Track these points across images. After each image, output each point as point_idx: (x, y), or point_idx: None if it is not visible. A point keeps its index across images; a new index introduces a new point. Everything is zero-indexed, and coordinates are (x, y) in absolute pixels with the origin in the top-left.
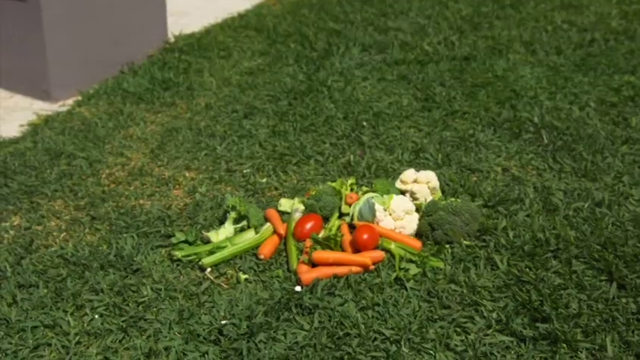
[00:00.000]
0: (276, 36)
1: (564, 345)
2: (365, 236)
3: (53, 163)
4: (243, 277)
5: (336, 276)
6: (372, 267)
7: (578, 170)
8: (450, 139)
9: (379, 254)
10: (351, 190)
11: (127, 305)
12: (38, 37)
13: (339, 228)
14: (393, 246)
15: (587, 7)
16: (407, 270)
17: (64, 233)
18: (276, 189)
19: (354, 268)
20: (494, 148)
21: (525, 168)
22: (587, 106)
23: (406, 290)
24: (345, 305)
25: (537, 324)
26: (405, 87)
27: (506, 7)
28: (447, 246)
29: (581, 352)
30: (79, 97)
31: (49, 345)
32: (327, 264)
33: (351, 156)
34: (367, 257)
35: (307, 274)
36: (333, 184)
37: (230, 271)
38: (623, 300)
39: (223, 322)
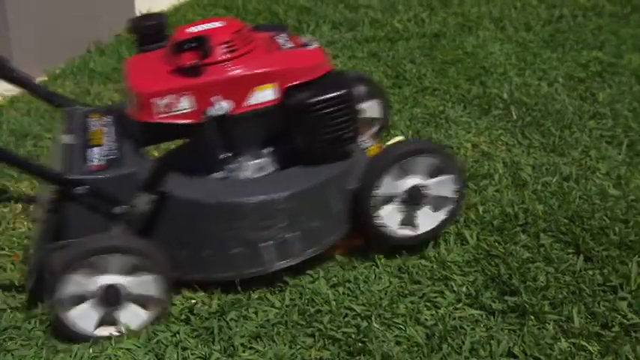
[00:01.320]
0: (245, 14)
1: (532, 317)
2: None
3: (19, 145)
4: None
5: None
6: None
7: (546, 145)
8: (420, 115)
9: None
10: None
11: None
12: (0, 16)
13: None
14: None
15: None
16: None
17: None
18: None
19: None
20: (464, 125)
21: (495, 144)
22: (555, 82)
23: (377, 267)
24: (316, 282)
25: (506, 297)
26: (376, 64)
27: None
28: None
29: (549, 323)
30: (45, 77)
31: (18, 328)
32: None
33: None
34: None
35: None
36: None
37: None
38: (590, 272)
39: (193, 301)
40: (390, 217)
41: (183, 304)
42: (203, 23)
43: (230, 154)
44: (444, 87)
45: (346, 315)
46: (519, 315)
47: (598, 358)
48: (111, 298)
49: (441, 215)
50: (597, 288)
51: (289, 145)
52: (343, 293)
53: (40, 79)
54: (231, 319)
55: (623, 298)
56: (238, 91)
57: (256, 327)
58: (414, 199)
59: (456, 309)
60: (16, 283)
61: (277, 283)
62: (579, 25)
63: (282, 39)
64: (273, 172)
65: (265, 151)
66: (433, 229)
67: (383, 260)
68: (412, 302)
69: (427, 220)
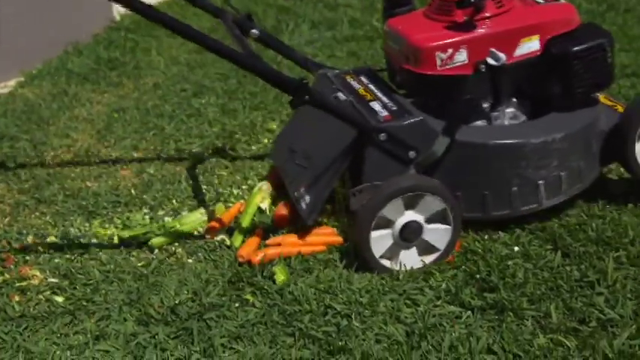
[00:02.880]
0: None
1: (511, 313)
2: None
3: None
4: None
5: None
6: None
7: None
8: None
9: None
10: None
11: (75, 288)
12: None
13: None
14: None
15: None
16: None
17: (8, 217)
18: (226, 167)
19: (305, 249)
20: None
21: None
22: None
23: (357, 265)
24: (297, 282)
25: (485, 294)
26: (355, 63)
27: None
28: None
29: (527, 319)
30: (22, 78)
31: None
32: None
33: None
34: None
35: (254, 255)
36: None
37: (179, 251)
38: (567, 268)
39: (176, 301)
40: None
41: (163, 304)
42: None
43: (493, 103)
44: None
45: (326, 314)
46: (498, 311)
47: (576, 353)
48: (409, 234)
49: None
50: (575, 284)
51: (534, 94)
52: (324, 291)
53: (16, 79)
54: (210, 320)
55: (600, 294)
56: (508, 43)
57: (236, 327)
58: None
59: (436, 306)
60: None
61: (257, 283)
62: None
63: None
64: (527, 119)
65: (515, 100)
66: None
67: None
68: (392, 300)
69: None
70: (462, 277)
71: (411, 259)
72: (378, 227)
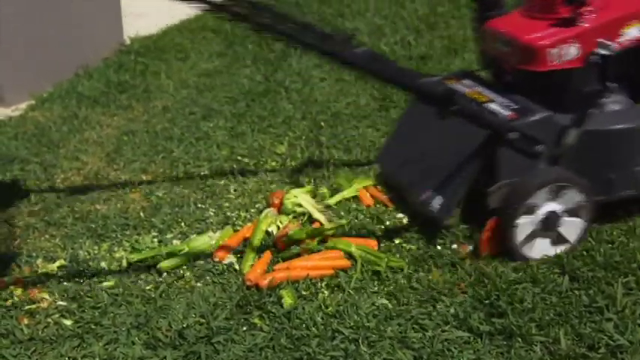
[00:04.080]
0: (233, 37)
1: (519, 339)
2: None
3: (6, 169)
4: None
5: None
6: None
7: None
8: None
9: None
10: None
11: (83, 311)
12: None
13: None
14: (353, 248)
15: None
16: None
17: (18, 240)
18: (235, 190)
19: (313, 272)
20: None
21: None
22: None
23: (365, 289)
24: (304, 306)
25: (493, 319)
26: (363, 87)
27: (461, 7)
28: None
29: (536, 345)
30: (33, 101)
31: (3, 357)
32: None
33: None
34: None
35: (262, 279)
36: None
37: (188, 274)
38: (576, 293)
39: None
40: None
41: (171, 328)
42: None
43: (601, 91)
44: None
45: (334, 338)
46: (507, 337)
47: None
48: (549, 224)
49: None
50: (583, 309)
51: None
52: (331, 316)
53: (27, 102)
54: (218, 343)
55: (609, 319)
56: (612, 32)
57: (244, 351)
58: None
59: (444, 331)
60: None
61: (265, 307)
62: None
63: None
64: (633, 103)
65: (617, 85)
66: None
67: (371, 282)
68: (399, 325)
69: None
70: (470, 303)
71: (545, 248)
72: (521, 216)
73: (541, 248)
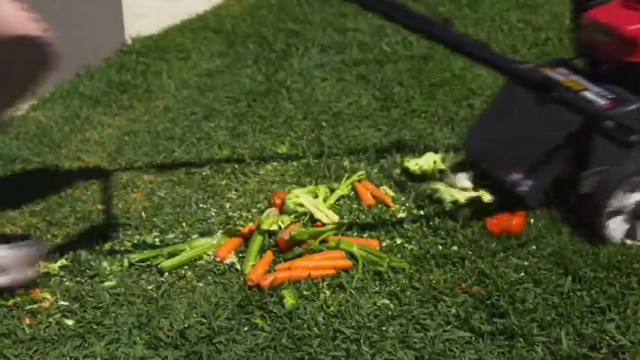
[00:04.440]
0: (234, 37)
1: (521, 339)
2: None
3: (7, 169)
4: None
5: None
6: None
7: None
8: (408, 138)
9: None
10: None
11: (85, 311)
12: None
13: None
14: (355, 248)
15: (541, 6)
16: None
17: None
18: (236, 190)
19: (314, 272)
20: (451, 148)
21: None
22: None
23: (366, 289)
24: (306, 306)
25: (495, 319)
26: (364, 87)
27: (462, 7)
28: (407, 245)
29: (537, 345)
30: (34, 101)
31: (4, 356)
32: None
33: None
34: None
35: (264, 279)
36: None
37: (189, 274)
38: (578, 293)
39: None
40: None
41: (172, 328)
42: None
43: None
44: (432, 109)
45: (335, 338)
46: (508, 337)
47: None
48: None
49: None
50: (585, 309)
51: None
52: (333, 316)
53: (29, 102)
54: (219, 343)
55: (611, 320)
56: None
57: (245, 351)
58: None
59: (445, 331)
60: None
61: (266, 307)
62: (564, 48)
63: None
64: None
65: None
66: None
67: (372, 282)
68: (401, 325)
69: None
70: (471, 303)
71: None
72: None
73: (624, 230)
